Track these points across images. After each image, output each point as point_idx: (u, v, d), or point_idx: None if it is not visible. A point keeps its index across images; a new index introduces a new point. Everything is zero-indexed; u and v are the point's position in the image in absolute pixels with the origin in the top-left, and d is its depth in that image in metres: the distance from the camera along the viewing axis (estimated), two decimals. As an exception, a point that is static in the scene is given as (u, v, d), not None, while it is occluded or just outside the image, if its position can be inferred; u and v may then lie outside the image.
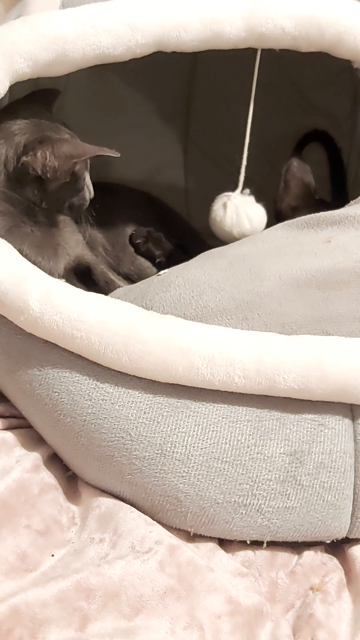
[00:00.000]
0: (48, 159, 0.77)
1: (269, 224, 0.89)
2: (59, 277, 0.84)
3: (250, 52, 0.90)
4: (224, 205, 0.93)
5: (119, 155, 0.82)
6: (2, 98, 0.79)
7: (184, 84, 1.17)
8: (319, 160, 1.09)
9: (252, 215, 0.93)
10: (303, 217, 0.79)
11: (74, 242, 0.89)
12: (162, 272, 0.82)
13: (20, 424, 0.77)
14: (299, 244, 0.77)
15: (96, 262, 0.96)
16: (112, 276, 0.97)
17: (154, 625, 0.58)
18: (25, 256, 0.77)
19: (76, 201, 0.86)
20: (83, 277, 0.94)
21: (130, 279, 1.01)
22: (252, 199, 0.94)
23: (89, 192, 0.88)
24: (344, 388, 0.68)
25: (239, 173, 1.01)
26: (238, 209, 0.93)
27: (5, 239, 0.74)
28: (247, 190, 0.94)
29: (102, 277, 0.95)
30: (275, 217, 0.97)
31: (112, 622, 0.58)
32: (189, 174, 1.23)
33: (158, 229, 1.05)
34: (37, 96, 0.86)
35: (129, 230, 1.03)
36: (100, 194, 0.91)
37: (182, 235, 1.10)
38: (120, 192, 1.08)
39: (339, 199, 0.99)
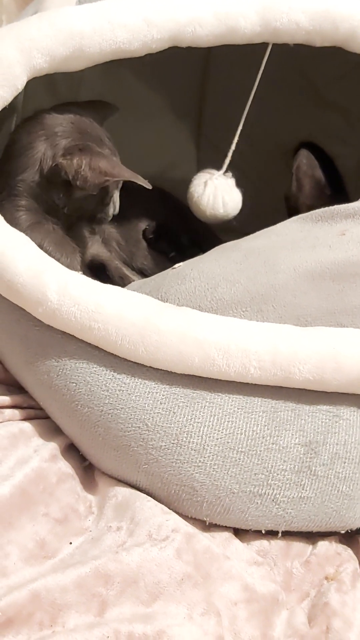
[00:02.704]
0: (83, 167, 0.79)
1: (278, 221, 0.89)
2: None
3: (263, 46, 0.91)
4: (205, 183, 0.94)
5: (150, 187, 0.83)
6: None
7: (197, 80, 1.17)
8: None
9: (228, 201, 0.94)
10: (317, 211, 0.80)
11: (91, 242, 0.90)
12: (177, 265, 0.83)
13: (38, 415, 0.77)
14: (314, 237, 0.77)
15: (110, 258, 0.97)
16: (126, 271, 0.98)
17: (171, 611, 0.59)
18: (45, 252, 0.78)
19: (99, 214, 0.87)
20: (97, 273, 0.95)
21: (144, 274, 1.02)
22: (232, 182, 0.95)
23: (113, 208, 0.89)
24: (359, 379, 0.68)
25: (251, 169, 1.01)
26: (217, 190, 0.94)
27: (27, 233, 0.75)
28: (230, 173, 0.95)
29: (117, 273, 0.96)
30: (289, 215, 0.97)
31: (130, 607, 0.59)
32: (202, 170, 1.24)
33: (171, 224, 1.05)
34: (93, 105, 0.87)
35: (142, 225, 1.04)
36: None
37: (195, 230, 1.10)
38: (133, 187, 1.09)
39: (338, 197, 0.99)
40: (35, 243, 0.74)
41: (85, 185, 0.80)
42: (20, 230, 0.75)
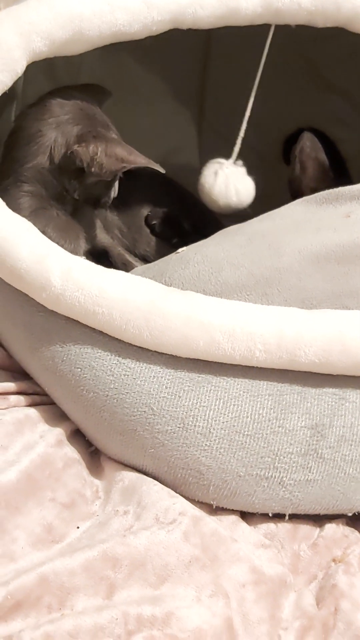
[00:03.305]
0: (99, 154, 0.79)
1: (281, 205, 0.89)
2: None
3: (265, 29, 0.90)
4: (215, 173, 0.93)
5: (164, 172, 0.83)
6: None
7: (198, 65, 1.16)
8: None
9: (241, 189, 0.94)
10: (322, 193, 0.79)
11: (94, 228, 0.90)
12: (180, 249, 0.82)
13: (43, 401, 0.77)
14: (318, 220, 0.77)
15: (112, 244, 0.97)
16: (129, 257, 0.98)
17: (179, 593, 0.59)
18: (49, 238, 0.78)
19: (103, 198, 0.87)
20: (100, 259, 0.94)
21: (147, 260, 1.02)
22: (243, 170, 0.95)
23: (114, 191, 0.89)
24: (364, 361, 0.68)
25: (252, 154, 1.00)
26: (228, 179, 0.93)
27: (30, 219, 0.75)
28: (240, 162, 0.94)
29: (119, 259, 0.96)
30: (293, 198, 0.97)
31: (138, 590, 0.59)
32: (204, 155, 1.22)
33: (174, 211, 1.05)
34: (90, 89, 0.87)
35: (145, 211, 1.03)
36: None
37: (198, 217, 1.10)
38: (137, 174, 1.09)
39: (341, 180, 0.98)
40: (38, 228, 0.74)
41: (101, 172, 0.80)
42: (23, 215, 0.75)
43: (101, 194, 0.86)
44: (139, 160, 0.81)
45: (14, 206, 0.77)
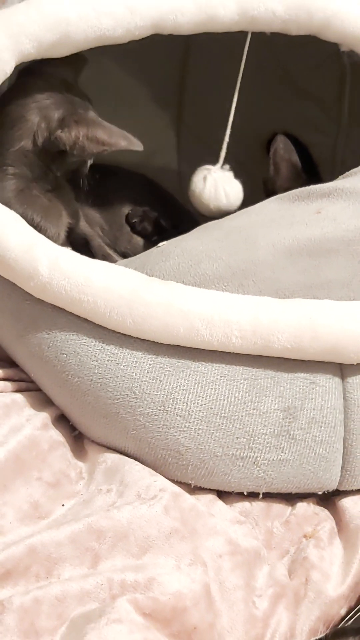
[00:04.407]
0: (81, 139, 0.82)
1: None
2: (62, 243, 0.88)
3: (242, 36, 0.95)
4: (204, 179, 0.98)
5: (142, 149, 0.86)
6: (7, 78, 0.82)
7: (177, 69, 1.20)
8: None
9: (230, 191, 0.98)
10: (295, 191, 0.84)
11: (73, 211, 0.94)
12: (161, 243, 0.86)
13: (29, 387, 0.80)
14: (291, 215, 0.81)
15: (93, 235, 1.00)
16: (110, 251, 1.01)
17: (160, 562, 0.63)
18: (32, 219, 0.81)
19: (79, 170, 0.91)
20: (80, 249, 0.97)
21: (127, 257, 1.05)
22: (231, 174, 0.98)
23: (88, 165, 0.92)
24: (334, 347, 0.72)
25: (231, 158, 1.04)
26: (217, 183, 0.97)
27: (15, 200, 0.78)
28: (227, 166, 0.98)
29: (100, 251, 0.99)
30: (267, 198, 1.01)
31: (121, 560, 0.63)
32: (182, 157, 1.27)
33: (153, 210, 1.09)
34: (66, 60, 0.88)
35: (126, 210, 1.07)
36: (99, 176, 0.95)
37: (177, 216, 1.13)
38: (117, 173, 1.12)
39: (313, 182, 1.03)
40: (23, 209, 0.77)
41: (83, 154, 0.83)
42: (8, 197, 0.78)
43: (78, 168, 0.90)
44: (120, 143, 0.84)
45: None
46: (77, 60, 0.91)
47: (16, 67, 0.81)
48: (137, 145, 0.85)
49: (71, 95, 0.87)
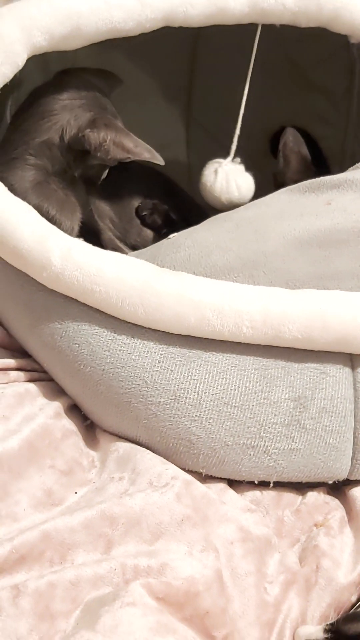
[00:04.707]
0: (107, 142, 0.83)
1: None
2: (76, 236, 0.89)
3: (251, 29, 0.95)
4: (215, 172, 0.98)
5: (163, 163, 0.87)
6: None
7: (186, 62, 1.20)
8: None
9: (241, 184, 0.98)
10: (304, 182, 0.84)
11: (85, 205, 0.94)
12: (171, 235, 0.87)
13: (41, 377, 0.81)
14: (301, 207, 0.82)
15: (104, 228, 1.01)
16: (119, 243, 1.02)
17: (173, 548, 0.63)
18: (47, 212, 0.82)
19: (96, 177, 0.92)
20: (91, 241, 0.98)
21: (137, 250, 1.06)
22: (242, 167, 0.99)
23: (105, 174, 0.93)
24: (344, 338, 0.72)
25: (240, 151, 1.05)
26: (228, 176, 0.98)
27: (32, 191, 0.78)
28: (238, 159, 0.99)
29: (110, 244, 1.00)
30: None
31: (134, 546, 0.64)
32: (191, 150, 1.27)
33: (163, 202, 1.09)
34: (103, 75, 0.91)
35: (136, 203, 1.07)
36: (110, 169, 0.95)
37: (186, 209, 1.14)
38: (127, 166, 1.13)
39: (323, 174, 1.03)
40: (39, 201, 0.78)
41: (106, 158, 0.85)
42: (26, 187, 0.79)
43: (96, 174, 0.91)
44: (144, 154, 0.85)
45: (18, 176, 0.82)
46: (113, 78, 0.93)
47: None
48: (159, 160, 0.87)
49: (104, 102, 0.88)
